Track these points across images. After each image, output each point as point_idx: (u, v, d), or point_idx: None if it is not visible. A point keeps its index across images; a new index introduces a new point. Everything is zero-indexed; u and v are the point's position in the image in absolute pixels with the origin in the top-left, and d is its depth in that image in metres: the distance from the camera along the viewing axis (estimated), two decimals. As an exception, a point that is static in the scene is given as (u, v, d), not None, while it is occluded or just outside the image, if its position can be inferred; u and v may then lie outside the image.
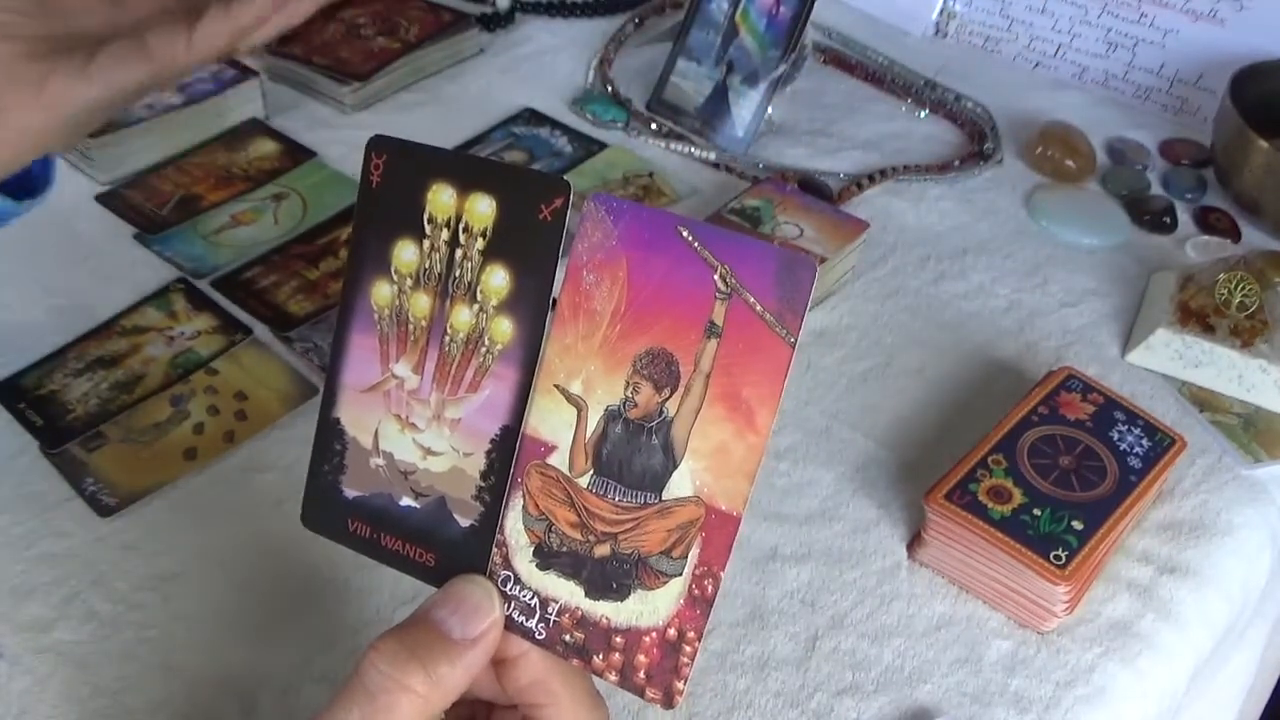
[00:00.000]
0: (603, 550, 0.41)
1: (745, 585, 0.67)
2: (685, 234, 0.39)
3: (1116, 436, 0.70)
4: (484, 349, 0.42)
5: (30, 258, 0.84)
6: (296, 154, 0.95)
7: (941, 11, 1.14)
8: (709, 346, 0.39)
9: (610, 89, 1.04)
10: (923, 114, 1.05)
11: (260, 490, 0.70)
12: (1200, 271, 0.83)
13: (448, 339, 0.42)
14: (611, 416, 0.40)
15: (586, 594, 0.41)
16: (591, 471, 0.41)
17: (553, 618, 0.42)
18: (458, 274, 0.42)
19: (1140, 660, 0.65)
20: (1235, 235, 0.94)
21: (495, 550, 0.42)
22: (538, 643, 0.42)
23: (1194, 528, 0.71)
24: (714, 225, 0.40)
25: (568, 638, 0.41)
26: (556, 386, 0.41)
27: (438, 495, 0.43)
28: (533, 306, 0.41)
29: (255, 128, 0.97)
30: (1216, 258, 0.87)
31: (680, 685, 0.40)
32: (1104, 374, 0.80)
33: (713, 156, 0.97)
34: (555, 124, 1.00)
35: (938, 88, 1.07)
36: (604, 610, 0.41)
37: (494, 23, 1.11)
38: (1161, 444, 0.70)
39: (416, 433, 0.43)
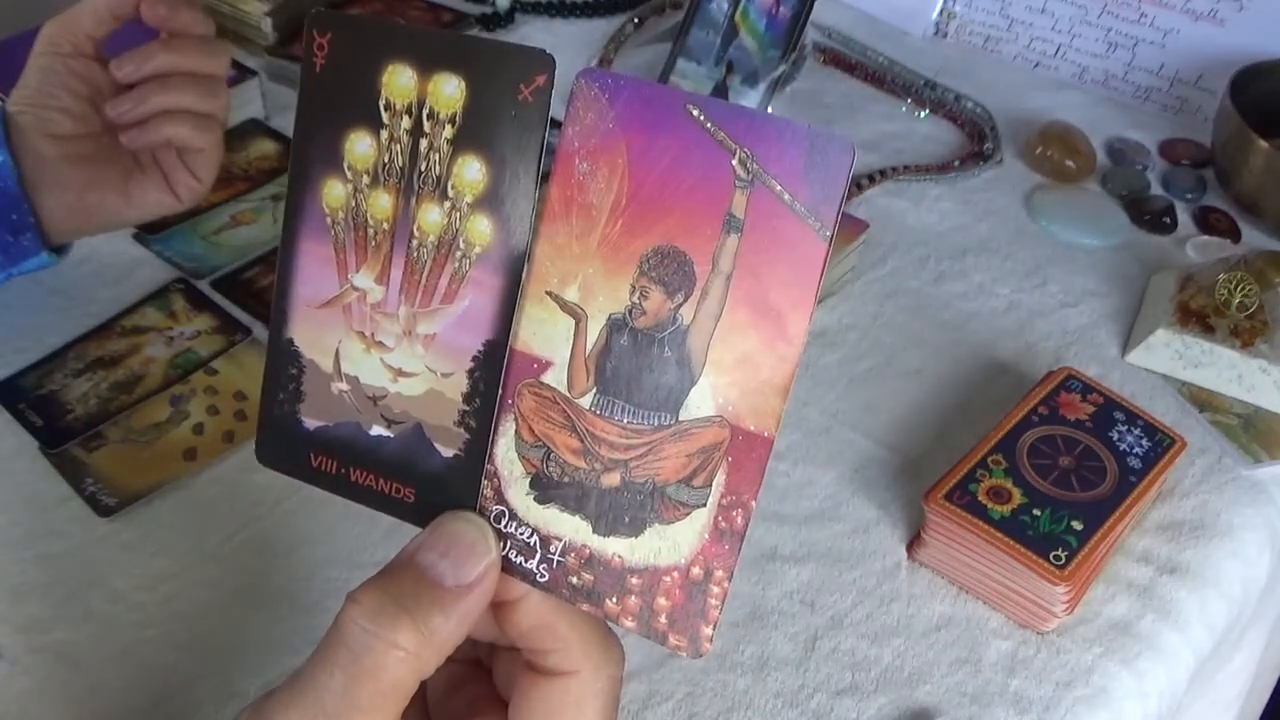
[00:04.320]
0: (611, 480, 0.36)
1: (745, 585, 0.67)
2: (696, 113, 0.34)
3: (1116, 437, 0.70)
4: (459, 253, 0.37)
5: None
6: (296, 154, 0.95)
7: (941, 11, 1.14)
8: (729, 243, 0.34)
9: (610, 89, 1.04)
10: (923, 114, 1.05)
11: (260, 490, 0.70)
12: (1200, 271, 0.83)
13: (415, 243, 0.37)
14: (616, 326, 0.36)
15: (595, 530, 0.36)
16: (595, 390, 0.36)
17: (556, 558, 0.36)
18: (424, 168, 0.36)
19: (1140, 660, 0.65)
20: (1235, 235, 0.94)
21: (485, 483, 0.37)
22: (540, 586, 0.37)
23: (1194, 528, 0.71)
24: (729, 103, 0.35)
25: (575, 580, 0.36)
26: (549, 293, 0.36)
27: (413, 422, 0.38)
28: (515, 202, 0.36)
29: (255, 128, 0.97)
30: (1216, 258, 0.87)
31: (709, 630, 0.35)
32: (1104, 374, 0.80)
33: (713, 156, 0.97)
34: (556, 124, 1.00)
35: (938, 88, 1.07)
36: (616, 548, 0.36)
37: (494, 23, 1.11)
38: (1161, 444, 0.70)
39: (384, 352, 0.38)
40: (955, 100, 1.05)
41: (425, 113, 0.36)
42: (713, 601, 0.36)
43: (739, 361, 0.35)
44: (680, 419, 0.35)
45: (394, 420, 0.38)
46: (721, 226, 0.34)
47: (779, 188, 0.33)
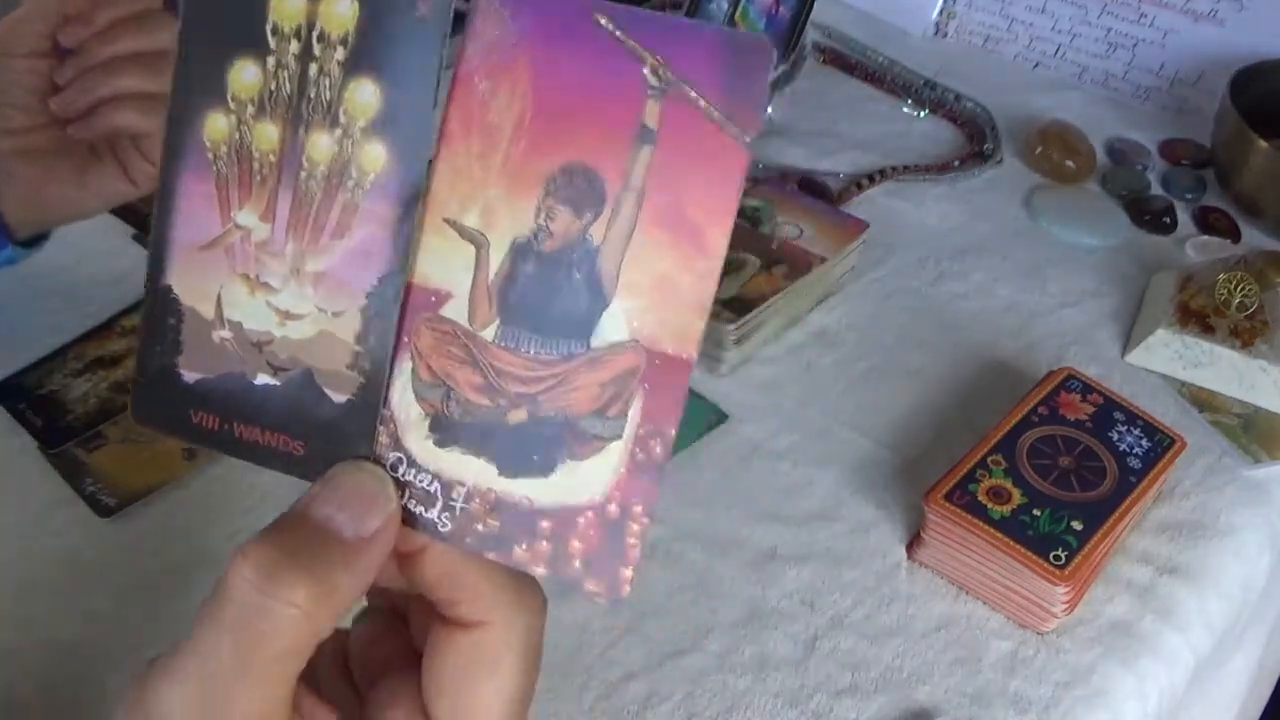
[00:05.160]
0: (518, 415, 0.33)
1: (745, 585, 0.67)
2: (604, 21, 0.32)
3: (1116, 437, 0.70)
4: (351, 182, 0.34)
5: (30, 258, 0.84)
6: (296, 154, 0.94)
7: (941, 11, 1.14)
8: (641, 155, 0.32)
9: (610, 89, 1.04)
10: (922, 114, 1.05)
11: (260, 489, 0.70)
12: (1200, 272, 0.83)
13: (304, 175, 0.34)
14: (520, 252, 0.33)
15: (500, 471, 0.33)
16: (498, 321, 0.33)
17: (460, 504, 0.34)
18: (313, 94, 0.34)
19: (1140, 661, 0.65)
20: (1235, 235, 0.94)
21: (381, 428, 0.34)
22: (442, 537, 0.34)
23: (1194, 528, 0.71)
24: (640, 9, 0.33)
25: (480, 527, 0.34)
26: (448, 221, 0.33)
27: (302, 368, 0.35)
28: (411, 125, 0.33)
29: (255, 128, 0.97)
30: (1216, 258, 0.87)
31: (628, 572, 0.33)
32: (1104, 374, 0.80)
33: (713, 156, 0.97)
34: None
35: (937, 88, 1.06)
36: (525, 490, 0.33)
37: (494, 23, 1.11)
38: (1161, 444, 0.70)
39: (271, 294, 0.35)
40: (955, 100, 1.05)
41: (315, 35, 0.34)
42: (631, 540, 0.33)
43: (655, 282, 0.32)
44: (592, 346, 0.33)
45: (280, 367, 0.35)
46: (633, 139, 0.32)
47: (694, 94, 0.31)
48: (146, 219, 0.87)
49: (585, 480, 0.33)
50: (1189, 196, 0.97)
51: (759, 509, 0.71)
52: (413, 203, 0.34)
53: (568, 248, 0.33)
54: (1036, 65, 1.11)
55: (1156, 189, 0.98)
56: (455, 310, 0.34)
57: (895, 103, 1.07)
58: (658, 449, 0.33)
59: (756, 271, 0.81)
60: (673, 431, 0.32)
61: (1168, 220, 0.94)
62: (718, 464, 0.73)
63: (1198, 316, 0.80)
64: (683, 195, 0.32)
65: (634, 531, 0.33)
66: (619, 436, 0.33)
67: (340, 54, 0.34)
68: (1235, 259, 0.83)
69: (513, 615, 0.34)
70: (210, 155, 0.35)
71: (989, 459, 0.68)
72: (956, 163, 0.99)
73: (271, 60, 0.34)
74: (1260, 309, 0.79)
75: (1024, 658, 0.64)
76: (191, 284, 0.36)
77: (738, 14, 0.97)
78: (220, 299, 0.36)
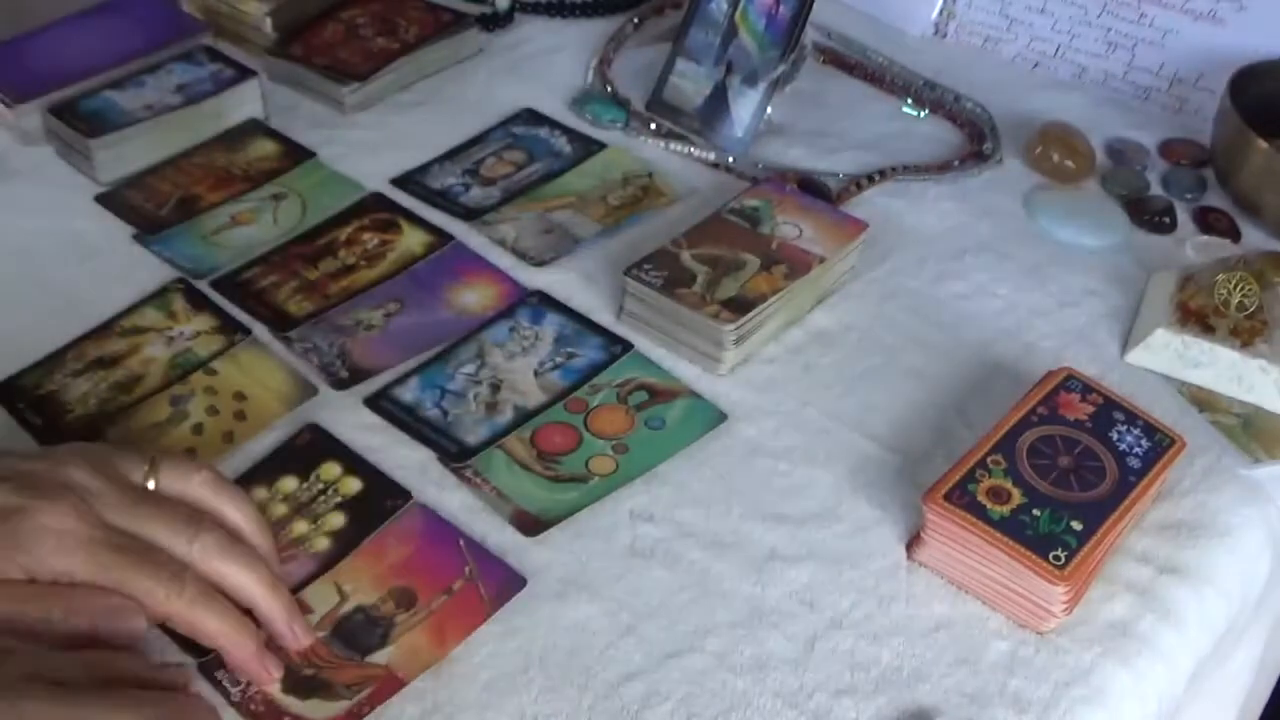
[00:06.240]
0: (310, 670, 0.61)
1: (744, 585, 0.67)
2: (461, 544, 0.65)
3: (1116, 437, 0.70)
4: None
5: (29, 258, 0.84)
6: (296, 154, 0.95)
7: (941, 11, 1.14)
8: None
9: (609, 89, 1.04)
10: (922, 114, 1.05)
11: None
12: (1200, 272, 0.83)
13: None
14: None
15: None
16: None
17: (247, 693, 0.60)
18: None
19: (1139, 661, 0.65)
20: (1235, 235, 0.94)
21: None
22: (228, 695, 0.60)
23: (1193, 528, 0.71)
24: (480, 546, 0.66)
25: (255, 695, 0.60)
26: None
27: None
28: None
29: (254, 128, 0.97)
30: (1216, 258, 0.87)
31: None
32: (1103, 374, 0.80)
33: (712, 157, 0.97)
34: (554, 124, 1.00)
35: (937, 88, 1.07)
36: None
37: (493, 23, 1.11)
38: (1161, 444, 0.70)
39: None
40: (955, 100, 1.05)
41: None
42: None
43: None
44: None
45: None
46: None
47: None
48: (146, 219, 0.88)
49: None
50: (1189, 196, 0.97)
51: (759, 509, 0.71)
52: None
53: None
54: (1036, 65, 1.11)
55: (1156, 189, 0.98)
56: None
57: (895, 103, 1.07)
58: None
59: (756, 271, 0.81)
60: None
61: (1167, 220, 0.94)
62: (717, 464, 0.73)
63: (1197, 316, 0.80)
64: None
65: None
66: None
67: None
68: (1235, 259, 0.83)
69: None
70: None
71: (988, 459, 0.68)
72: (956, 163, 0.99)
73: None
74: (1260, 309, 0.79)
75: (1023, 657, 0.64)
76: None
77: (737, 14, 0.97)
78: None
